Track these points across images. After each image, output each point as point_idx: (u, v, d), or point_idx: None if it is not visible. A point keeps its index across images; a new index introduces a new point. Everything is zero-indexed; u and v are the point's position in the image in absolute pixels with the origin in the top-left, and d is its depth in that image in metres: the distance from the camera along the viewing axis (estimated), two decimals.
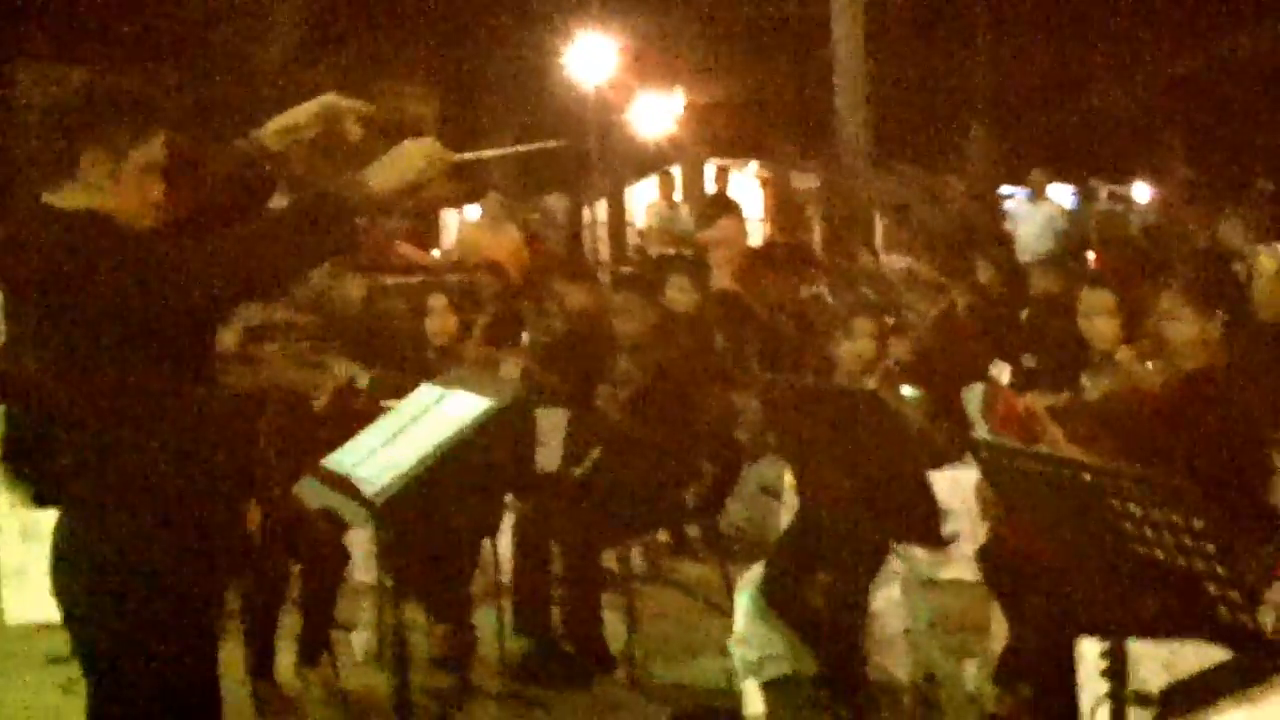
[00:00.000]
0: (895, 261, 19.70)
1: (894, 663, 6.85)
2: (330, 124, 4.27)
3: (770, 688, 6.93)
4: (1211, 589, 3.88)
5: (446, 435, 4.60)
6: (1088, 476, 3.99)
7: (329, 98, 4.25)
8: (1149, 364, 6.09)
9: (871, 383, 7.06)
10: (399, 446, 4.72)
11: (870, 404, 5.44)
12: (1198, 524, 3.78)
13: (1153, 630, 4.34)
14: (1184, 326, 5.92)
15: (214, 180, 4.15)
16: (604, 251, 27.26)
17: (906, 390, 7.20)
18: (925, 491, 5.25)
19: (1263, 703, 2.48)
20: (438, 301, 8.12)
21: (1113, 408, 6.09)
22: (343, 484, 4.70)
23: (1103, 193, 39.81)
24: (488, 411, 4.59)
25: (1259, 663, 2.50)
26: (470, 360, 7.85)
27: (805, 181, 30.33)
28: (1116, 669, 4.04)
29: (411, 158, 4.04)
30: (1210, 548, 3.80)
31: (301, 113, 4.23)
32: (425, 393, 5.01)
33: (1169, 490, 3.82)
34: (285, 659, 7.35)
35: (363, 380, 7.88)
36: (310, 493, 4.93)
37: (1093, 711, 4.18)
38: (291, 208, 3.88)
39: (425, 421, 4.79)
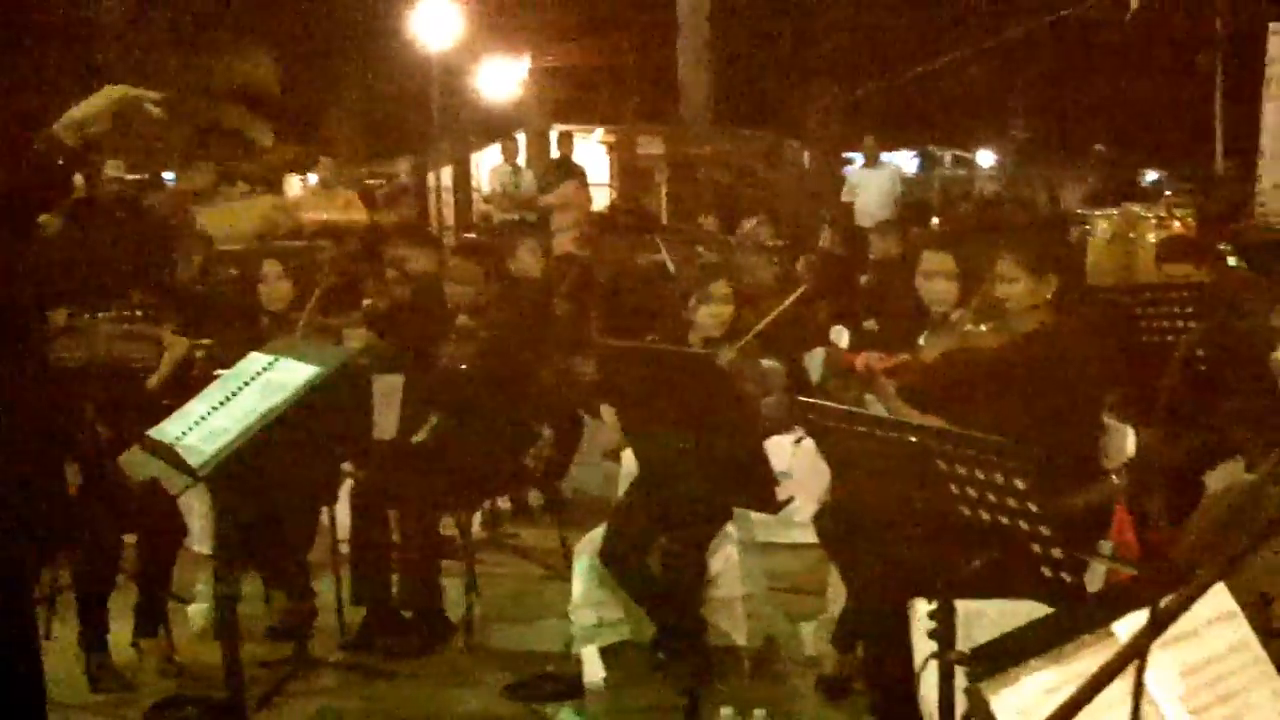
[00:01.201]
0: (741, 226, 19.79)
1: (732, 626, 6.88)
2: (125, 114, 4.16)
3: (608, 653, 6.94)
4: (1036, 549, 3.93)
5: (272, 403, 4.56)
6: (912, 438, 4.02)
7: (117, 90, 4.15)
8: (983, 326, 6.16)
9: (729, 349, 7.08)
10: (225, 415, 4.67)
11: (704, 368, 5.44)
12: (1021, 484, 3.82)
13: (980, 590, 4.39)
14: (1018, 289, 6.00)
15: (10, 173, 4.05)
16: (449, 217, 27.10)
17: (768, 363, 7.22)
18: (759, 456, 5.26)
19: (1072, 661, 2.50)
20: (271, 268, 8.00)
21: (948, 368, 6.15)
22: (168, 454, 4.64)
23: (947, 158, 40.33)
24: (313, 379, 4.55)
25: (1071, 621, 2.52)
26: (304, 327, 7.75)
27: (652, 147, 30.36)
28: (943, 629, 4.08)
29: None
30: (1034, 507, 3.85)
31: (90, 107, 4.12)
32: (253, 361, 4.95)
33: (993, 451, 3.86)
34: (121, 632, 7.24)
35: (198, 350, 7.77)
36: (136, 464, 4.85)
37: (921, 672, 4.22)
38: (117, 236, 3.83)
39: (252, 390, 4.74)
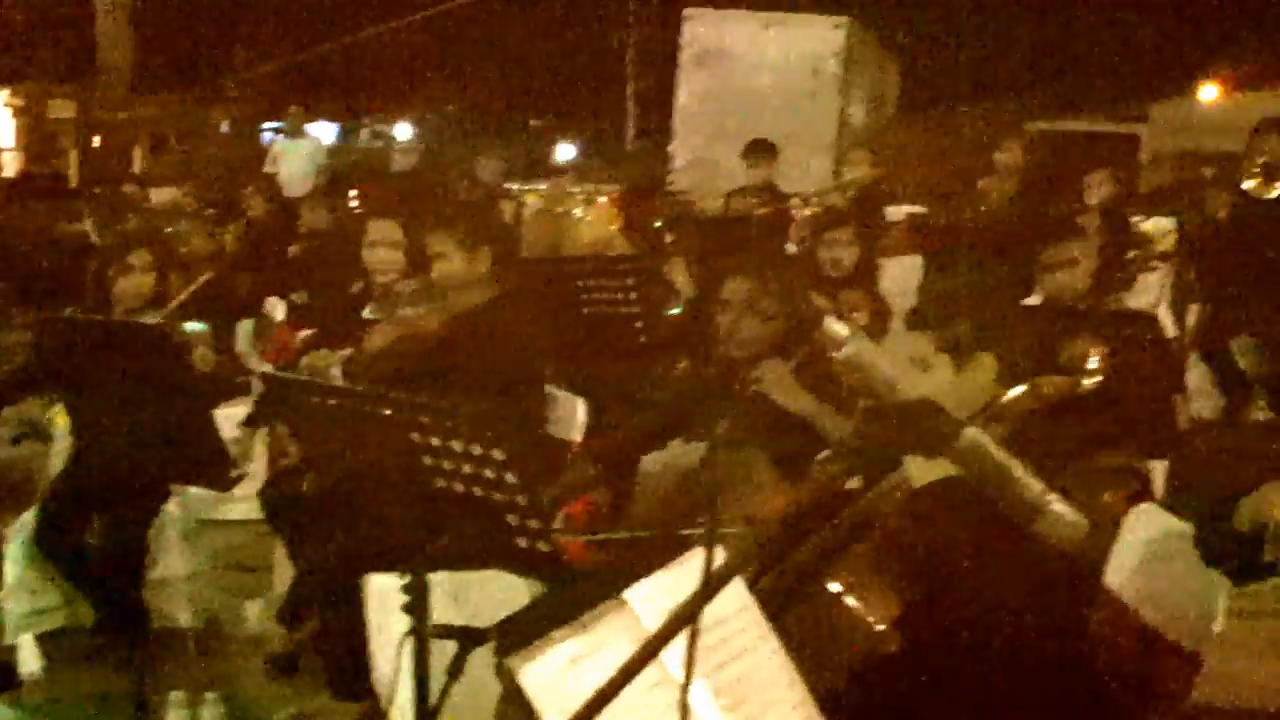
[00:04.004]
0: (159, 194, 19.34)
1: (175, 607, 6.72)
2: None
3: (46, 641, 6.63)
4: (511, 519, 3.91)
5: None
6: (386, 410, 3.94)
7: None
8: (423, 308, 6.17)
9: (153, 318, 6.86)
10: None
11: (152, 339, 5.25)
12: (498, 455, 3.80)
13: (454, 563, 4.36)
14: (453, 266, 6.05)
15: None
16: None
17: (192, 325, 7.02)
18: (208, 430, 5.10)
19: (594, 629, 2.52)
20: None
21: (393, 357, 6.11)
22: None
23: (365, 130, 40.42)
24: None
25: (583, 592, 2.55)
26: None
27: (64, 110, 29.29)
28: (416, 603, 4.01)
29: None
30: (510, 478, 3.83)
31: None
32: None
33: (471, 422, 3.82)
34: None
35: None
36: None
37: (398, 648, 4.13)
38: None
39: None
